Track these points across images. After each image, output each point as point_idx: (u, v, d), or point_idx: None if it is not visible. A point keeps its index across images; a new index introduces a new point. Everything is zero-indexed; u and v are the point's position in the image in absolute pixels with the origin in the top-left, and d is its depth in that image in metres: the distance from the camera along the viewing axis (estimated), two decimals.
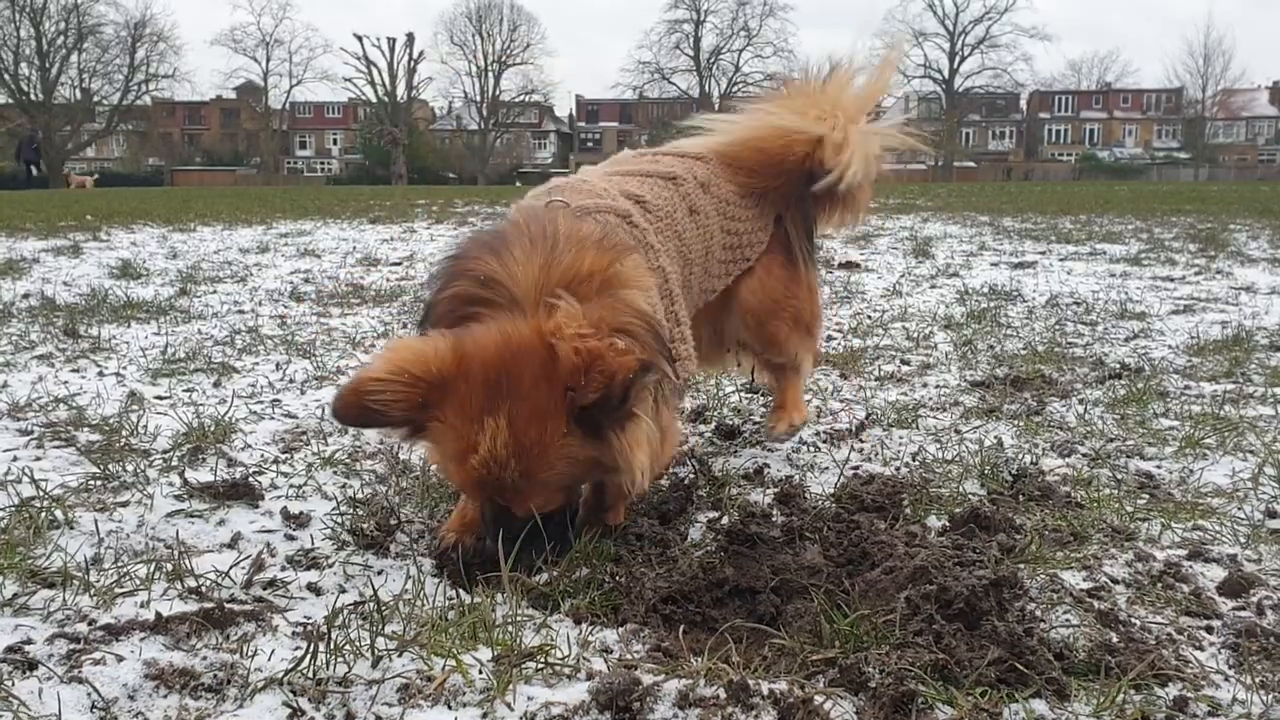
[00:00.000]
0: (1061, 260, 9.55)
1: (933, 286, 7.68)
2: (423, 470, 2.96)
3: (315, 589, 2.19)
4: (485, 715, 1.65)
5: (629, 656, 1.88)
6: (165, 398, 3.91)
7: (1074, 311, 6.32)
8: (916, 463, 3.12)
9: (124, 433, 3.32)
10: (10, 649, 1.82)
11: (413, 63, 71.94)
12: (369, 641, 1.84)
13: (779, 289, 3.07)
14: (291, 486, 2.85)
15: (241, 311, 6.32)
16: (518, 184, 59.83)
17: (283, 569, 2.30)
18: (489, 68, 79.73)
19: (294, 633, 1.94)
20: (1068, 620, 2.00)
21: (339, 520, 2.59)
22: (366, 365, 2.13)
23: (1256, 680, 1.78)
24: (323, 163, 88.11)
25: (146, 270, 8.58)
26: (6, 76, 65.74)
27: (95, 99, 71.28)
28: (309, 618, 2.02)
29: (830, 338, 5.37)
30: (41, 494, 2.65)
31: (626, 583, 2.15)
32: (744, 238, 2.94)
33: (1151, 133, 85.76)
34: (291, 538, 2.49)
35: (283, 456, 3.15)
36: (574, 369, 1.97)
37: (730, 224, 2.90)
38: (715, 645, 1.90)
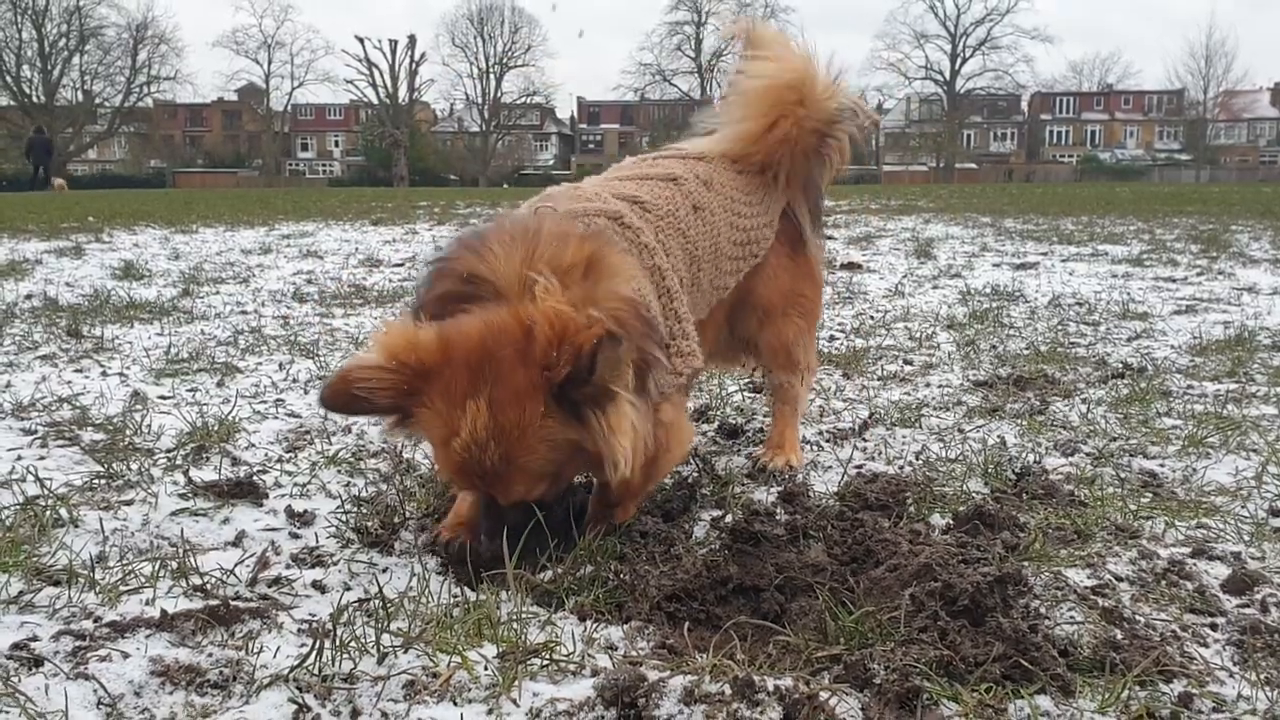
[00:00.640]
0: (1063, 261, 9.55)
1: (935, 287, 7.68)
2: (427, 468, 2.96)
3: (320, 587, 2.20)
4: (491, 712, 1.66)
5: (634, 653, 1.88)
6: (169, 397, 3.92)
7: (1076, 312, 6.32)
8: (920, 461, 3.12)
9: (128, 432, 3.32)
10: (16, 646, 1.82)
11: (414, 65, 72.05)
12: (374, 638, 1.84)
13: (787, 281, 3.07)
14: (296, 485, 2.86)
15: (244, 312, 6.32)
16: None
17: (287, 567, 2.31)
18: (490, 70, 79.82)
19: (299, 630, 1.95)
20: (1072, 617, 2.00)
21: (343, 518, 2.59)
22: (355, 354, 2.14)
23: (1261, 677, 1.78)
24: (324, 165, 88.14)
25: (149, 271, 8.59)
26: (8, 78, 65.93)
27: (97, 101, 71.39)
28: (314, 615, 2.02)
29: (833, 337, 5.37)
30: (46, 492, 2.66)
31: (631, 580, 2.14)
32: (752, 234, 2.93)
33: (1153, 134, 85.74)
34: (296, 536, 2.50)
35: (287, 455, 3.16)
36: (547, 345, 1.98)
37: (737, 220, 2.88)
38: (720, 642, 1.90)
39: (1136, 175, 69.71)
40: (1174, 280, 7.97)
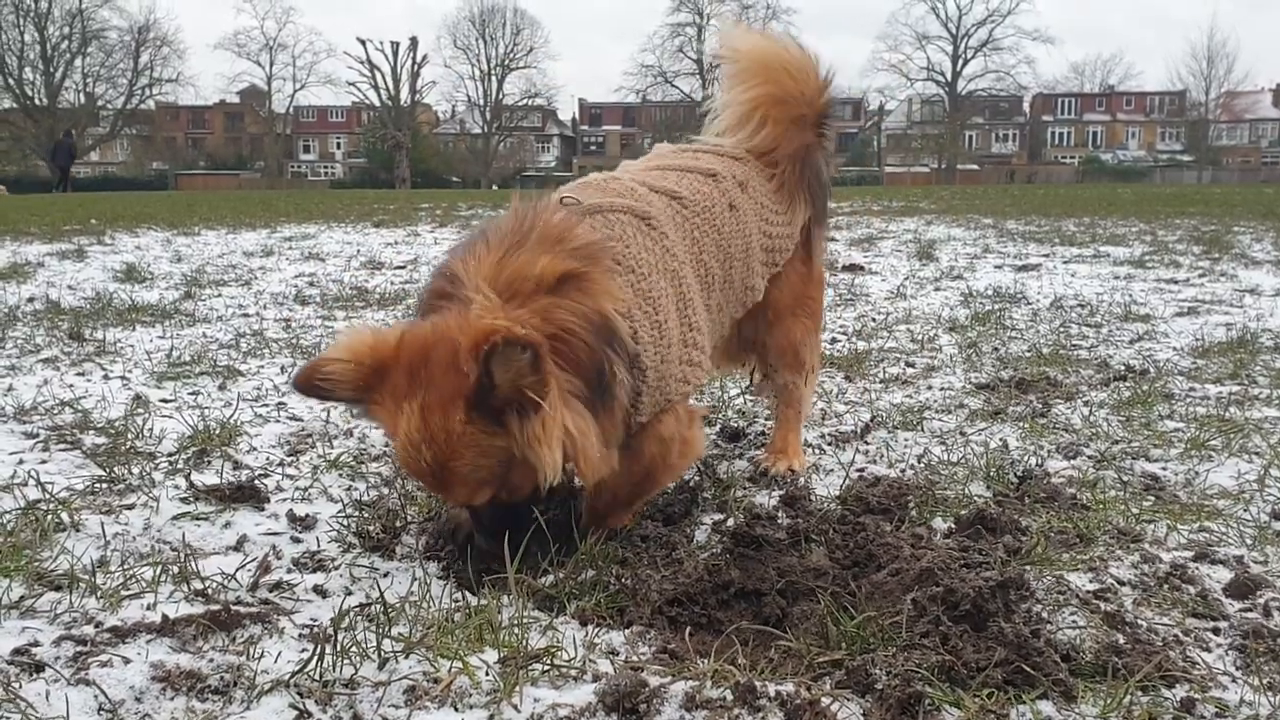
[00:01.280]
0: (1065, 263, 9.55)
1: (937, 289, 7.68)
2: None
3: (321, 591, 2.20)
4: (492, 717, 1.66)
5: (635, 658, 1.88)
6: (170, 401, 3.92)
7: (1078, 314, 6.32)
8: (922, 465, 3.12)
9: (129, 436, 3.32)
10: (17, 651, 1.82)
11: (416, 67, 72.06)
12: (375, 643, 1.84)
13: (797, 283, 3.07)
14: (297, 489, 2.86)
15: (246, 315, 6.33)
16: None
17: (289, 571, 2.31)
18: (492, 71, 79.83)
19: (300, 635, 1.95)
20: (1074, 622, 2.00)
21: (345, 523, 2.59)
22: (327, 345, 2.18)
23: (1264, 681, 1.77)
24: (326, 167, 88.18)
25: (151, 274, 8.60)
26: (11, 81, 65.96)
27: (99, 103, 71.41)
28: (315, 620, 2.02)
29: (834, 340, 5.37)
30: (48, 497, 2.66)
31: (632, 585, 2.14)
32: (779, 241, 2.94)
33: (1155, 135, 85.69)
34: (297, 540, 2.50)
35: (288, 459, 3.16)
36: (466, 352, 2.00)
37: (767, 226, 2.89)
38: (721, 647, 1.90)
39: (1138, 176, 69.61)
40: (1176, 282, 7.96)
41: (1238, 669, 1.85)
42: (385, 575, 2.29)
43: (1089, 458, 3.15)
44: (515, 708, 1.68)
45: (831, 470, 3.10)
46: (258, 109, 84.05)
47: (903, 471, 3.05)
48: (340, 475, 2.99)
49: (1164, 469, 3.03)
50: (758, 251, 2.86)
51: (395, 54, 71.09)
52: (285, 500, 2.77)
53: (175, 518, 2.58)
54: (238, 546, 2.44)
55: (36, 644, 1.86)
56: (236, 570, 2.25)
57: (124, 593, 2.10)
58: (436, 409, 2.03)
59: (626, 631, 1.98)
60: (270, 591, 2.18)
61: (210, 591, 2.14)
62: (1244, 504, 2.71)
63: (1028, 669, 1.75)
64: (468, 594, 2.16)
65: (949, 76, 78.45)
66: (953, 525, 2.53)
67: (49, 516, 2.50)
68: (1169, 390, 4.06)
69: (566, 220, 2.28)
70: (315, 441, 3.35)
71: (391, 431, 2.10)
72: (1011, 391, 4.07)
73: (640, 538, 2.44)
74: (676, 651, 1.90)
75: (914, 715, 1.66)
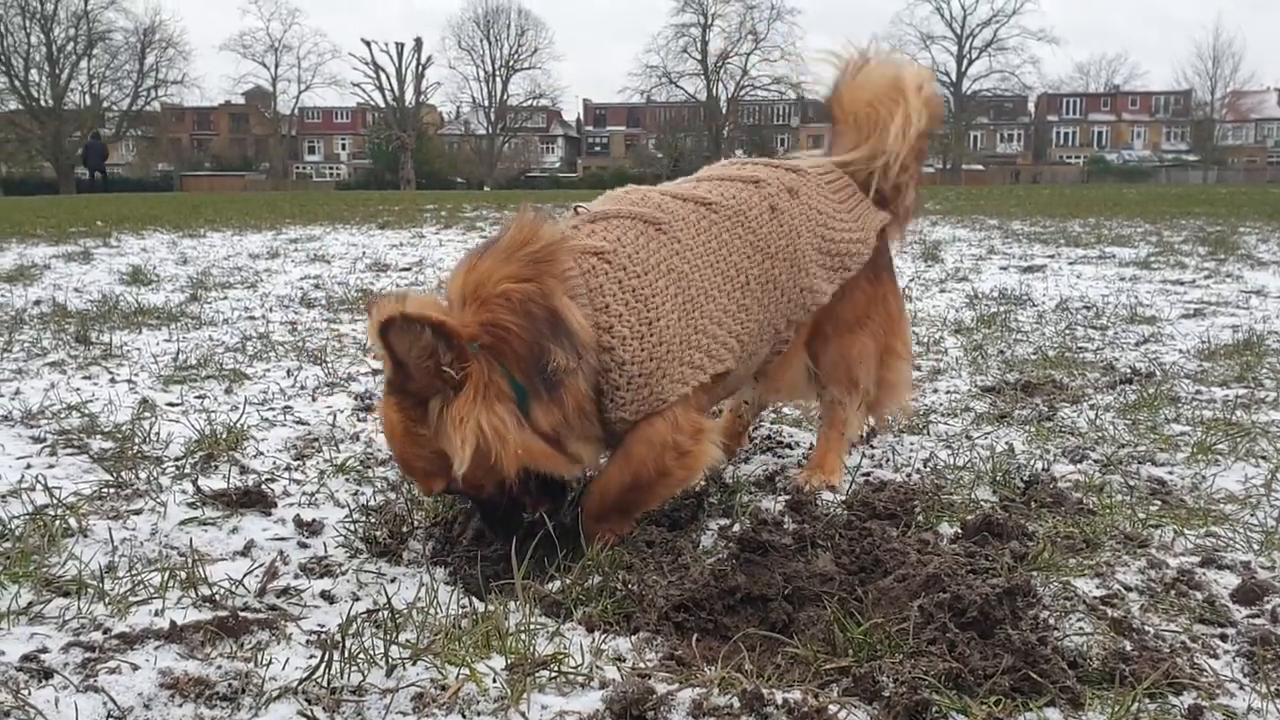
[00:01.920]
0: (1071, 264, 9.54)
1: (942, 291, 7.67)
2: None
3: (329, 597, 2.20)
4: None
5: (642, 665, 1.88)
6: (177, 405, 3.92)
7: (1084, 316, 6.31)
8: (928, 469, 3.11)
9: (136, 440, 3.33)
10: (26, 658, 1.83)
11: (421, 68, 72.12)
12: (383, 650, 1.84)
13: (862, 300, 3.01)
14: (304, 494, 2.86)
15: (252, 318, 6.33)
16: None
17: (296, 577, 2.31)
18: (497, 72, 79.90)
19: (308, 641, 1.95)
20: (1081, 628, 2.00)
21: (352, 528, 2.59)
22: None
23: (1272, 689, 1.77)
24: (331, 168, 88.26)
25: (157, 276, 8.62)
26: (17, 83, 65.99)
27: (105, 105, 71.45)
28: (323, 626, 2.03)
29: None
30: (55, 502, 2.67)
31: (639, 590, 2.15)
32: (843, 246, 2.89)
33: (1160, 135, 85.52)
34: (304, 545, 2.50)
35: (295, 463, 3.16)
36: (373, 334, 2.18)
37: (826, 231, 2.86)
38: (728, 653, 1.91)
39: (1144, 176, 69.46)
40: (1182, 283, 7.95)
41: (1245, 676, 1.84)
42: (392, 581, 2.29)
43: (1095, 461, 3.15)
44: (523, 715, 1.68)
45: None
46: (263, 110, 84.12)
47: (909, 476, 3.04)
48: (347, 480, 3.00)
49: (1170, 473, 3.03)
50: (812, 254, 2.82)
51: (400, 55, 71.16)
52: (292, 505, 2.77)
53: (182, 523, 2.59)
54: (245, 552, 2.44)
55: (45, 650, 1.86)
56: (244, 576, 2.26)
57: (132, 599, 2.11)
58: (390, 403, 2.28)
59: (633, 638, 1.98)
60: (278, 597, 2.19)
61: (218, 597, 2.15)
62: (1251, 508, 2.71)
63: (1035, 676, 1.75)
64: (474, 599, 2.16)
65: (954, 77, 78.30)
66: (959, 530, 2.53)
67: (57, 522, 2.51)
68: (1175, 393, 4.05)
69: (533, 227, 2.35)
70: (322, 446, 3.36)
71: None
72: (1017, 394, 4.07)
73: (646, 543, 2.44)
74: (683, 658, 1.90)
75: None
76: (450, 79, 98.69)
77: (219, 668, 1.80)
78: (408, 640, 1.91)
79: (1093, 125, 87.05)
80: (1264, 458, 3.15)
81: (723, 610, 2.09)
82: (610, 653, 1.92)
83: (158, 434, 3.41)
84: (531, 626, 1.98)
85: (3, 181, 61.49)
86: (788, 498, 2.78)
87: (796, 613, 2.07)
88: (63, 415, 3.66)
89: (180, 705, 1.70)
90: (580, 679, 1.80)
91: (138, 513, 2.66)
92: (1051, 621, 2.01)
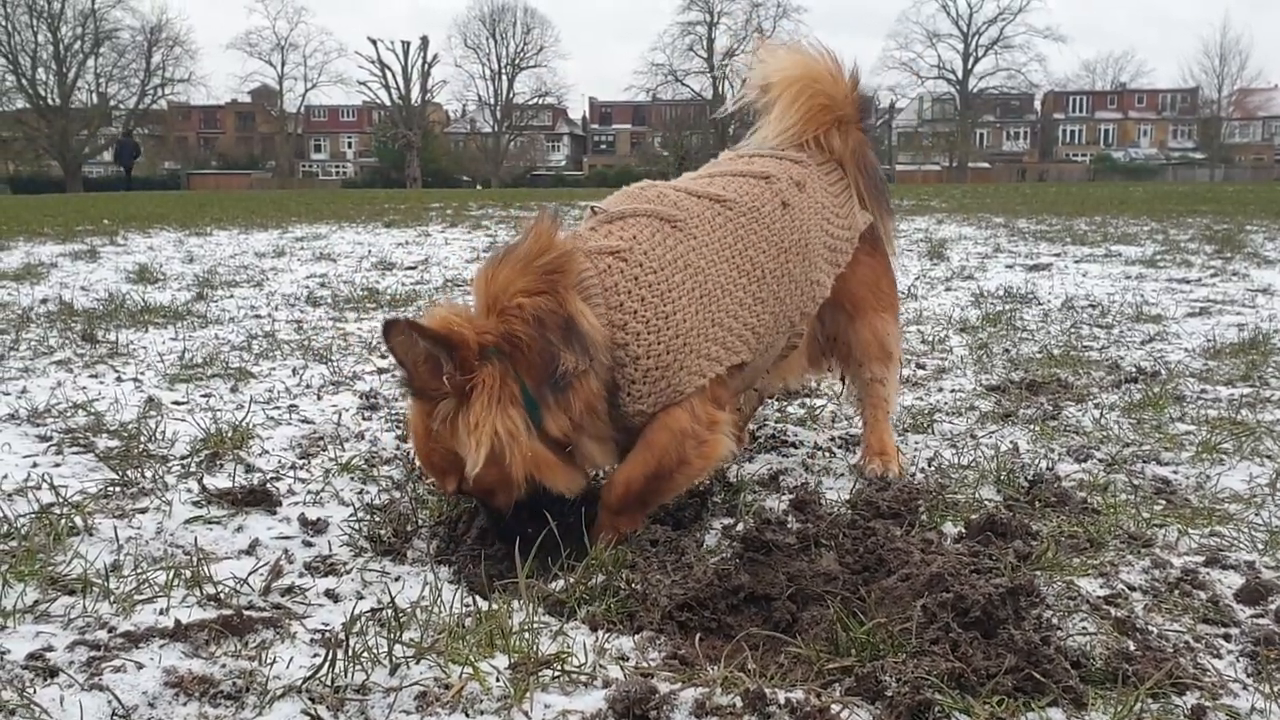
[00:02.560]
0: (1077, 262, 9.52)
1: (948, 289, 7.66)
2: None
3: (333, 596, 2.21)
4: None
5: (645, 664, 1.88)
6: (183, 403, 3.93)
7: (1089, 314, 6.30)
8: (932, 468, 3.11)
9: (142, 439, 3.34)
10: (32, 656, 1.84)
11: (426, 66, 72.15)
12: (387, 649, 1.85)
13: (869, 275, 3.10)
14: (309, 493, 2.87)
15: (258, 316, 6.35)
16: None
17: (300, 575, 2.32)
18: (503, 71, 79.91)
19: (312, 640, 1.96)
20: (1084, 628, 2.00)
21: (356, 526, 2.60)
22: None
23: (1275, 689, 1.77)
24: (337, 166, 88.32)
25: (163, 275, 8.63)
26: (24, 81, 66.13)
27: (112, 103, 71.57)
28: (327, 625, 2.03)
29: None
30: (61, 500, 2.67)
31: (642, 589, 2.15)
32: (841, 243, 2.99)
33: (1167, 133, 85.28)
34: (309, 544, 2.51)
35: (300, 462, 3.17)
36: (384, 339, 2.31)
37: (828, 226, 2.94)
38: (731, 653, 1.91)
39: (1150, 174, 69.29)
40: (1188, 282, 7.93)
41: (1249, 676, 1.84)
42: (396, 580, 2.30)
43: (1100, 461, 3.15)
44: (526, 714, 1.68)
45: (842, 474, 3.10)
46: (269, 109, 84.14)
47: (913, 475, 3.04)
48: (352, 479, 3.00)
49: (1175, 472, 3.02)
50: (820, 249, 2.90)
51: (406, 53, 71.17)
52: (297, 504, 2.78)
53: (187, 521, 2.60)
54: (250, 550, 2.45)
55: (50, 649, 1.87)
56: (249, 575, 2.26)
57: (137, 597, 2.12)
58: (413, 406, 2.39)
59: (636, 637, 1.99)
60: (282, 596, 2.20)
61: (222, 596, 2.15)
62: (1255, 508, 2.70)
63: (1038, 676, 1.75)
64: (479, 598, 2.16)
65: (960, 74, 78.19)
66: (963, 530, 2.53)
67: (62, 520, 2.51)
68: (1180, 392, 4.05)
69: (549, 236, 2.41)
70: (327, 444, 3.36)
71: None
72: (1022, 393, 4.07)
73: (650, 542, 2.44)
74: (686, 657, 1.90)
75: None
76: (456, 77, 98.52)
77: (223, 666, 1.81)
78: (411, 639, 1.92)
79: (1099, 123, 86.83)
80: (1269, 457, 3.14)
81: (726, 609, 2.09)
82: (613, 652, 1.93)
83: (163, 432, 3.42)
84: (535, 625, 1.99)
85: (10, 180, 61.71)
86: (792, 497, 2.78)
87: (800, 612, 2.07)
88: (69, 414, 3.67)
89: (185, 704, 1.71)
90: (583, 678, 1.80)
91: (143, 511, 2.66)
92: (1055, 621, 2.01)
